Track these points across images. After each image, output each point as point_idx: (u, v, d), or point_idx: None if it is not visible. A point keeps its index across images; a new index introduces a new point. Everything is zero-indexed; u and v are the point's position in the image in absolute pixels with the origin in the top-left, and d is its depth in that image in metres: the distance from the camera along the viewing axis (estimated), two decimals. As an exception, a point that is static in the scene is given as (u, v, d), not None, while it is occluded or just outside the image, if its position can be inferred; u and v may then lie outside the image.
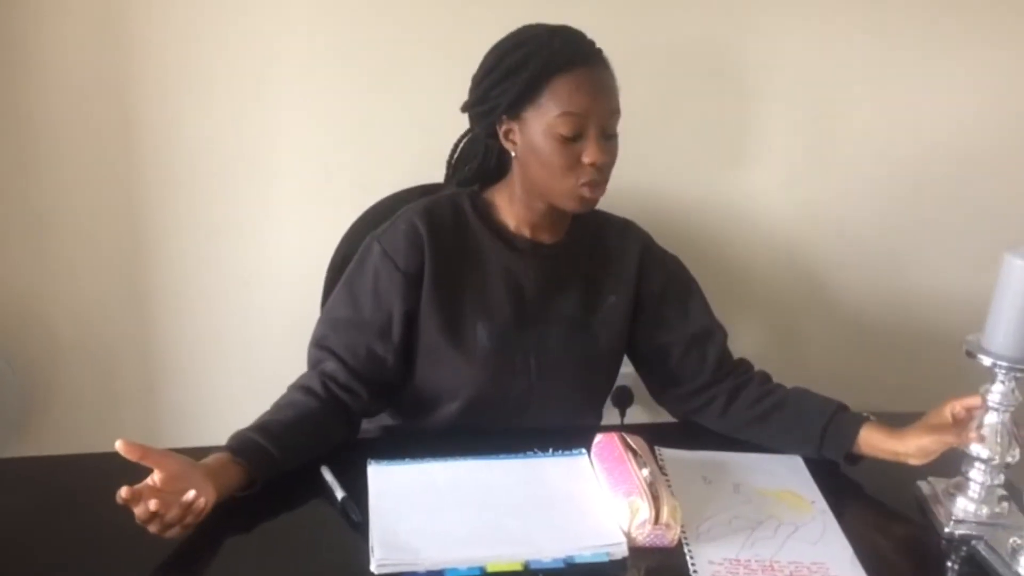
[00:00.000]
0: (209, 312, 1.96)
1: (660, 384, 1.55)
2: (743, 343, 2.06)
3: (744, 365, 1.52)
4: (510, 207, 1.44)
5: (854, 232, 2.08)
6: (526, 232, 1.44)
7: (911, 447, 1.28)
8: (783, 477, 1.33)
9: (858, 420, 1.36)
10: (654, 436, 1.32)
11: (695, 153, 1.95)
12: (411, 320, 1.39)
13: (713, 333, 1.51)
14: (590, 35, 1.36)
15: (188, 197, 1.87)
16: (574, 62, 1.30)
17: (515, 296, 1.42)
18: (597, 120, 1.31)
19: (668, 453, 1.37)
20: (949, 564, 1.18)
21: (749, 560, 1.14)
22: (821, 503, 1.27)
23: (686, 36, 1.86)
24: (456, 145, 1.48)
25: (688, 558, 1.13)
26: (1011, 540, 1.15)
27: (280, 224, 1.90)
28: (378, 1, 1.76)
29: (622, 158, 1.38)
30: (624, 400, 1.82)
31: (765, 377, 1.50)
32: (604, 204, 1.42)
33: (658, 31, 1.83)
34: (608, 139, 1.33)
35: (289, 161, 1.87)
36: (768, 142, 1.97)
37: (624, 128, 1.37)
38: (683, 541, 1.16)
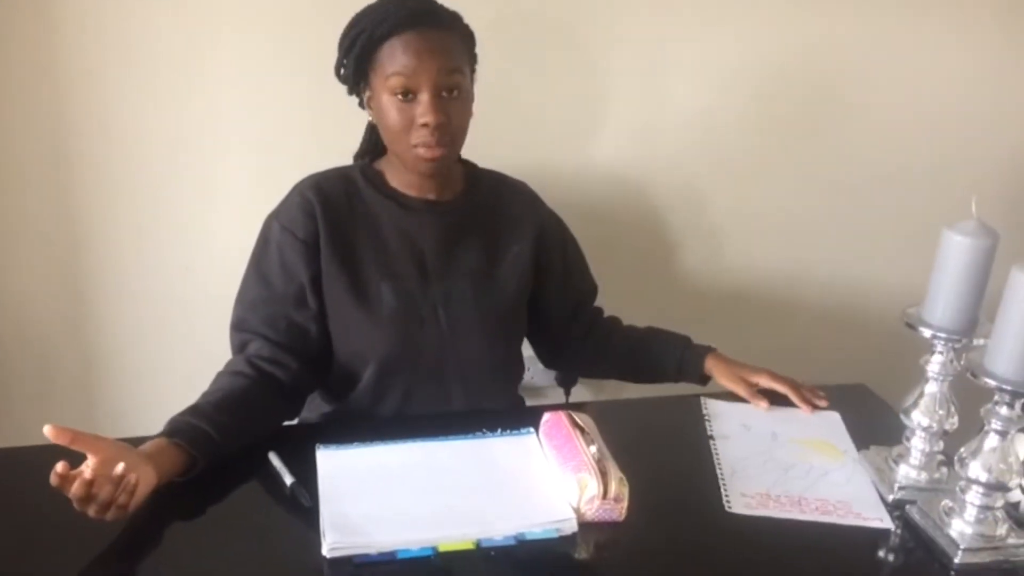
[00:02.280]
0: (149, 300, 1.95)
1: (547, 341, 1.69)
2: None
3: (602, 314, 1.74)
4: (396, 172, 1.50)
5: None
6: (415, 193, 1.49)
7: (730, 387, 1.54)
8: (819, 429, 1.45)
9: (705, 350, 1.61)
10: (600, 413, 1.36)
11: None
12: (318, 286, 1.44)
13: (593, 291, 1.72)
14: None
15: (125, 184, 1.86)
16: (403, 25, 1.35)
17: (415, 254, 1.47)
18: (427, 79, 1.35)
19: (712, 404, 1.50)
20: (888, 529, 1.23)
21: (779, 495, 1.24)
22: (853, 453, 1.38)
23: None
24: None
25: (722, 490, 1.24)
26: (943, 503, 1.20)
27: (220, 209, 1.90)
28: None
29: (483, 127, 1.44)
30: (568, 380, 1.85)
31: (619, 322, 1.73)
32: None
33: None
34: (448, 99, 1.37)
35: (228, 146, 1.86)
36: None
37: (480, 100, 1.44)
38: (718, 476, 1.28)
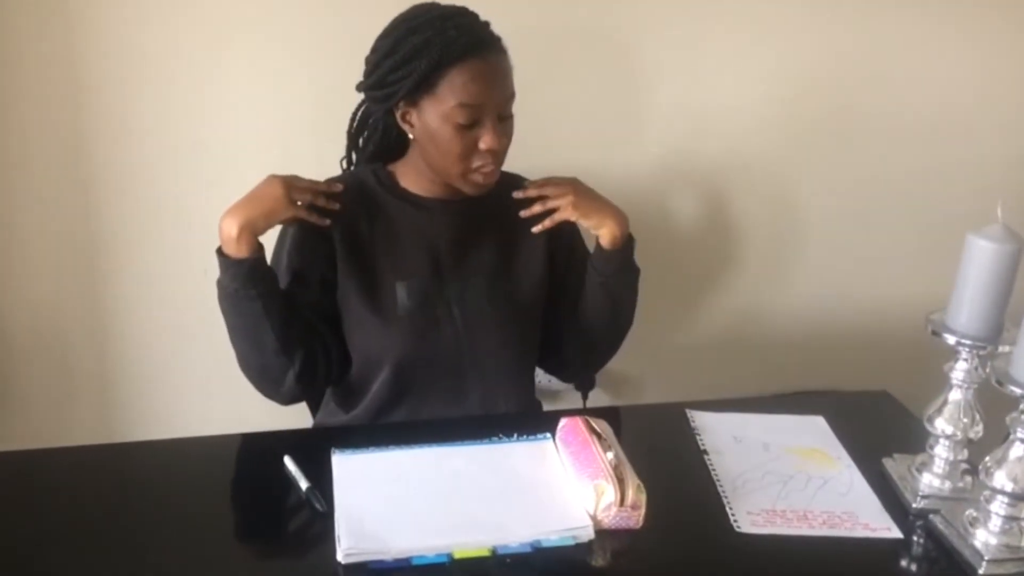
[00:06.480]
0: (167, 303, 1.97)
1: (548, 336, 1.62)
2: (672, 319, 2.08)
3: None
4: (416, 178, 1.50)
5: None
6: (429, 194, 1.50)
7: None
8: (809, 436, 1.44)
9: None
10: (617, 419, 1.36)
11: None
12: (333, 286, 1.46)
13: None
14: (489, 16, 1.40)
15: (144, 188, 1.88)
16: (469, 52, 1.34)
17: (430, 253, 1.49)
18: (492, 107, 1.36)
19: (698, 415, 1.47)
20: (910, 538, 1.22)
21: (785, 510, 1.23)
22: (847, 459, 1.38)
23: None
24: (354, 116, 1.54)
25: (728, 509, 1.23)
26: (967, 513, 1.19)
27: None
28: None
29: (520, 136, 1.44)
30: (586, 384, 1.84)
31: None
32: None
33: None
34: (503, 121, 1.40)
35: (247, 149, 1.88)
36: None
37: (519, 109, 1.43)
38: (721, 494, 1.26)
